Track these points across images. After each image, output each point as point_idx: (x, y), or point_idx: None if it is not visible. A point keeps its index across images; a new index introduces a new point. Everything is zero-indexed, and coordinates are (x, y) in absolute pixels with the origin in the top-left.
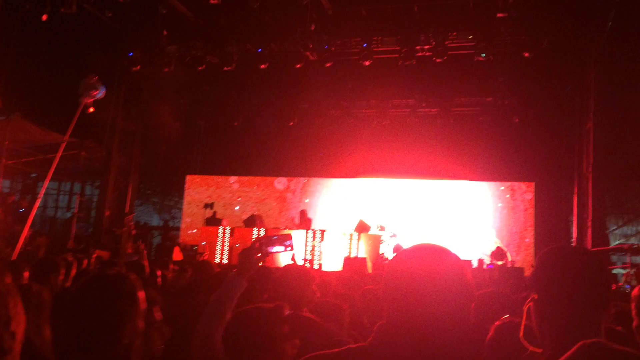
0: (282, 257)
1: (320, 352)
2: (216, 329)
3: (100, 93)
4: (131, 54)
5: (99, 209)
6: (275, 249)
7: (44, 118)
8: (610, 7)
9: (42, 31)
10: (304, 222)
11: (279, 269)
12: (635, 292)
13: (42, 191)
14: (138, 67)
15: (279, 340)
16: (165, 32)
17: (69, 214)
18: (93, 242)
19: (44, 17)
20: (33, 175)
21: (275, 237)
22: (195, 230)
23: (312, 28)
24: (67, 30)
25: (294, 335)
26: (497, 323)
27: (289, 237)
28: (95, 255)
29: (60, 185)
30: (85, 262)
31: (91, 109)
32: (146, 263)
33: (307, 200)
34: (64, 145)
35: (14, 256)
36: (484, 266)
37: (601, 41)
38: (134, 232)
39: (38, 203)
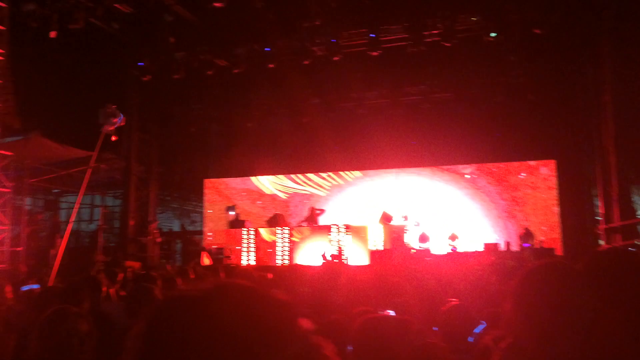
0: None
1: None
2: None
3: (120, 120)
4: (141, 64)
5: (123, 219)
6: None
7: (61, 134)
8: None
9: (53, 48)
10: (312, 218)
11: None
12: None
13: (75, 210)
14: (149, 76)
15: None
16: (172, 40)
17: (92, 226)
18: (123, 253)
19: (53, 34)
20: (55, 191)
21: None
22: (210, 235)
23: (318, 23)
24: (77, 46)
25: None
26: (444, 308)
27: None
28: (129, 269)
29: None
30: (122, 275)
31: (114, 137)
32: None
33: (322, 195)
34: (89, 171)
35: (52, 276)
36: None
37: (613, 10)
38: (159, 239)
39: (72, 218)
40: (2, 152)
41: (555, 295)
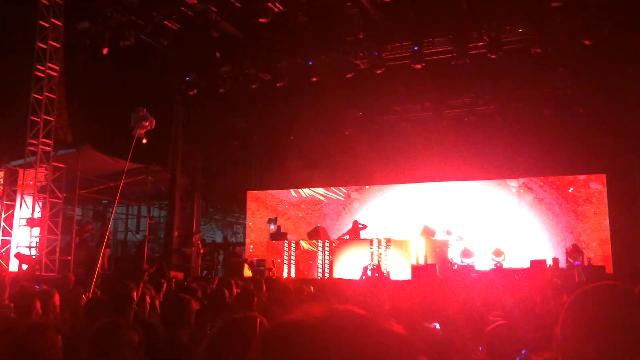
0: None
1: None
2: None
3: (151, 124)
4: (188, 78)
5: (168, 230)
6: None
7: (112, 147)
8: None
9: (104, 64)
10: (354, 232)
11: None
12: None
13: (111, 218)
14: (195, 90)
15: None
16: (218, 54)
17: (139, 237)
18: (167, 264)
19: (105, 51)
20: (104, 201)
21: None
22: (251, 247)
23: (361, 36)
24: (128, 62)
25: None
26: (489, 328)
27: None
28: (174, 280)
29: (128, 209)
30: (165, 285)
31: (144, 140)
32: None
33: (363, 208)
34: (123, 177)
35: (92, 285)
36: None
37: None
38: (202, 250)
39: (109, 228)
40: (55, 164)
41: (612, 319)
